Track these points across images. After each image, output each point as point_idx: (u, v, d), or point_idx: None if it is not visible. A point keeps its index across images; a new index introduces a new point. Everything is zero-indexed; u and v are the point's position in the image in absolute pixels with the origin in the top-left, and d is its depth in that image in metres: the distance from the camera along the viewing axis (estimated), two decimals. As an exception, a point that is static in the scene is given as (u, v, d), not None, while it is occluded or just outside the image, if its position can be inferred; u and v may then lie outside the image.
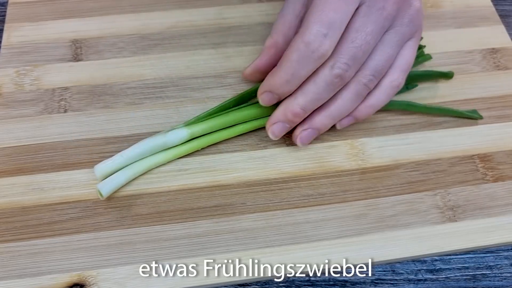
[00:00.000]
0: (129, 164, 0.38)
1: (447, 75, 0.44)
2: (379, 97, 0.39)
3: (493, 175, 0.40)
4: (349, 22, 0.36)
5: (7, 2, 0.48)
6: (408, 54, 0.39)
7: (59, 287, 0.34)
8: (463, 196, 0.39)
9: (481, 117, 0.42)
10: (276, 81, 0.37)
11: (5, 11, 0.47)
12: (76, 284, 0.34)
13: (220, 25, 0.47)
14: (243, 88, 0.43)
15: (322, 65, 0.36)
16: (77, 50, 0.45)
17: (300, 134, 0.39)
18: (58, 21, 0.47)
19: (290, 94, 0.37)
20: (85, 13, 0.47)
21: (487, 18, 0.49)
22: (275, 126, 0.38)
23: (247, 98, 0.41)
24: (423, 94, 0.44)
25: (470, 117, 0.42)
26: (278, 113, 0.38)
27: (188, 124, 0.39)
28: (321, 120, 0.39)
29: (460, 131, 0.42)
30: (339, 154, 0.41)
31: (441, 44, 0.47)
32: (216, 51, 0.46)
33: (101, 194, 0.37)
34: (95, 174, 0.37)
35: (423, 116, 0.43)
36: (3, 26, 0.47)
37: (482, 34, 0.48)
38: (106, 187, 0.37)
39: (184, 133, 0.39)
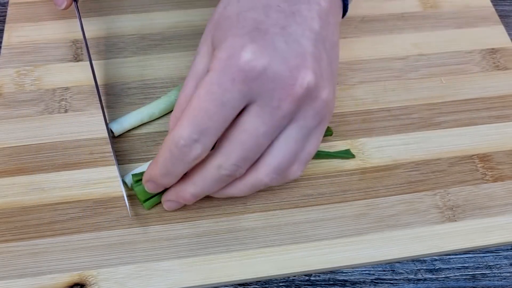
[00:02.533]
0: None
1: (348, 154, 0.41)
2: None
3: (492, 175, 0.40)
4: (239, 119, 0.32)
5: (7, 2, 0.48)
6: (312, 146, 0.35)
7: (60, 286, 0.34)
8: (463, 196, 0.39)
9: (353, 156, 0.41)
10: (156, 173, 0.34)
11: (6, 11, 0.47)
12: (76, 284, 0.34)
13: (220, 25, 0.47)
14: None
15: (210, 161, 0.33)
16: (78, 50, 0.45)
17: (168, 203, 0.37)
18: (59, 21, 0.47)
19: (183, 177, 0.34)
20: (85, 13, 0.47)
21: (487, 18, 0.49)
22: (169, 203, 0.37)
23: None
24: (424, 94, 0.44)
25: (343, 156, 0.41)
26: (171, 193, 0.36)
27: None
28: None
29: (460, 131, 0.42)
30: (339, 154, 0.41)
31: (441, 44, 0.47)
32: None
33: (112, 132, 0.40)
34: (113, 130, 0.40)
35: (423, 116, 0.43)
36: (3, 26, 0.47)
37: (481, 34, 0.48)
38: (117, 125, 0.40)
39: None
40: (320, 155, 0.40)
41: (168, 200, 0.36)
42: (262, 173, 0.34)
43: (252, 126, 0.32)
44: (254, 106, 0.31)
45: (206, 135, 0.31)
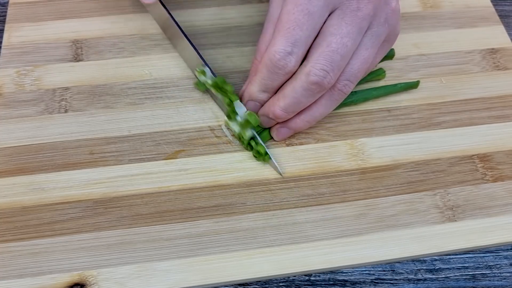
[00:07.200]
0: None
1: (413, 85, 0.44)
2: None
3: (492, 175, 0.40)
4: (324, 26, 0.35)
5: (7, 2, 0.48)
6: (378, 58, 0.39)
7: (60, 286, 0.34)
8: (463, 196, 0.39)
9: (417, 83, 0.44)
10: (254, 91, 0.38)
11: (6, 11, 0.47)
12: (76, 284, 0.34)
13: (220, 25, 0.47)
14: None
15: (300, 70, 0.36)
16: (78, 50, 0.45)
17: (276, 130, 0.40)
18: (59, 21, 0.47)
19: (275, 93, 0.38)
20: (85, 13, 0.47)
21: (487, 18, 0.49)
22: (263, 118, 0.39)
23: None
24: (424, 94, 0.44)
25: (408, 88, 0.44)
26: (265, 107, 0.39)
27: None
28: (296, 121, 0.39)
29: (460, 131, 0.42)
30: (339, 154, 0.41)
31: (441, 44, 0.47)
32: (216, 51, 0.46)
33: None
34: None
35: (423, 116, 0.43)
36: (3, 26, 0.47)
37: (481, 34, 0.48)
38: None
39: None
40: (387, 88, 0.43)
41: (262, 114, 0.39)
42: (339, 82, 0.36)
43: (336, 27, 0.34)
44: (337, 11, 0.35)
45: (297, 46, 0.34)
